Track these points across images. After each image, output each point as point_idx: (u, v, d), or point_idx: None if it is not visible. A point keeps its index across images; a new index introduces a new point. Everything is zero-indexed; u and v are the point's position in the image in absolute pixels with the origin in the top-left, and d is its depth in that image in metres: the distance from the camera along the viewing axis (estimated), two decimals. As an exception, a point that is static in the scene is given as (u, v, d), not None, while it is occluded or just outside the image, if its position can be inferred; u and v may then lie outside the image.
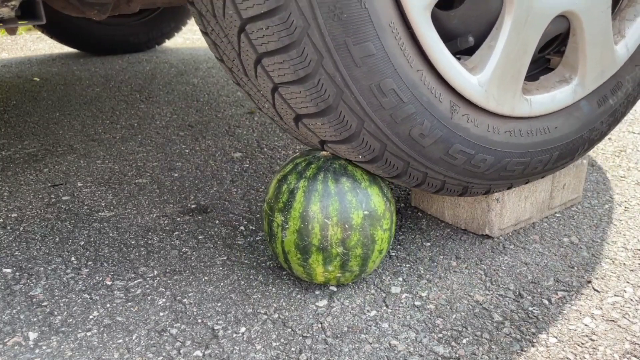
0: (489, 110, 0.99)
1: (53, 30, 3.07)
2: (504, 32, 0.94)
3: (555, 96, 1.07)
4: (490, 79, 0.96)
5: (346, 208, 0.91)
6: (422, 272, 1.09)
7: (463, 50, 1.01)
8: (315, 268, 0.94)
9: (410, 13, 0.84)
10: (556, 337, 0.92)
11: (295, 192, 0.93)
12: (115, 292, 1.03)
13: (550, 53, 1.16)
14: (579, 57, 1.07)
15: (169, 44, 3.69)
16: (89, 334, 0.92)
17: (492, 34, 0.97)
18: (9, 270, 1.09)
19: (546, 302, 1.00)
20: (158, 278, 1.07)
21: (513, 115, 1.03)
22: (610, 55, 1.10)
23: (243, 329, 0.93)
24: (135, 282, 1.06)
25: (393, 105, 0.87)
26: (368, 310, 0.97)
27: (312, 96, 0.84)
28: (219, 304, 0.99)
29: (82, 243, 1.20)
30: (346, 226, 0.91)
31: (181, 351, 0.88)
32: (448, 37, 0.99)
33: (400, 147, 0.92)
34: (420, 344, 0.90)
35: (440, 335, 0.92)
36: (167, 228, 1.26)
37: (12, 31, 2.05)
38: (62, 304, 0.99)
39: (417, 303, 1.00)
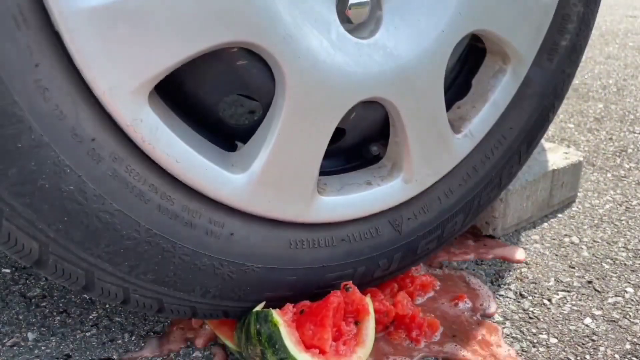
0: (261, 216, 0.80)
1: None
2: (279, 119, 0.74)
3: (366, 197, 0.88)
4: (259, 179, 0.76)
5: None
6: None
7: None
8: None
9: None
10: (557, 338, 0.92)
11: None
12: (114, 292, 1.03)
13: (375, 144, 0.94)
14: (401, 150, 0.88)
15: None
16: (88, 334, 0.92)
17: (265, 122, 0.77)
18: (7, 271, 1.09)
19: (546, 302, 1.00)
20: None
21: (299, 222, 0.83)
22: (446, 147, 0.91)
23: None
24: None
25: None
26: None
27: None
28: None
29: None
30: None
31: None
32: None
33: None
34: (420, 344, 0.90)
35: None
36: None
37: None
38: (60, 305, 0.99)
39: (417, 303, 1.00)
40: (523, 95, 0.98)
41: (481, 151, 0.98)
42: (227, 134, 0.83)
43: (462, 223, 1.01)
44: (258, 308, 0.82)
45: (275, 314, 0.79)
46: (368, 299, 0.86)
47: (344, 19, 0.76)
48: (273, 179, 0.78)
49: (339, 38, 0.75)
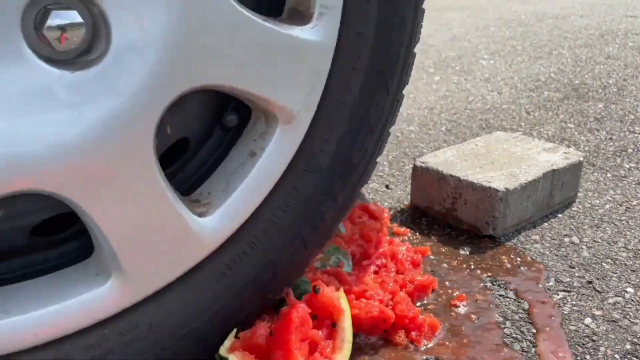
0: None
1: None
2: None
3: (59, 311, 0.66)
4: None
5: None
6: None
7: None
8: None
9: None
10: (557, 338, 0.91)
11: None
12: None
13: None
14: (102, 246, 0.66)
15: None
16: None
17: None
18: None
19: (547, 302, 1.00)
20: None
21: None
22: (182, 239, 0.70)
23: None
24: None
25: None
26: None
27: None
28: None
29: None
30: None
31: None
32: None
33: None
34: (420, 344, 0.90)
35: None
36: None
37: None
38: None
39: (417, 303, 1.00)
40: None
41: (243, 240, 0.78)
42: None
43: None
44: (222, 349, 0.77)
45: (233, 358, 0.75)
46: (341, 295, 0.83)
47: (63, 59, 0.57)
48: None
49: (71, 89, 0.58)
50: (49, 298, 0.65)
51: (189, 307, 0.75)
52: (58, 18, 0.55)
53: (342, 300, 0.83)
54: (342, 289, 0.86)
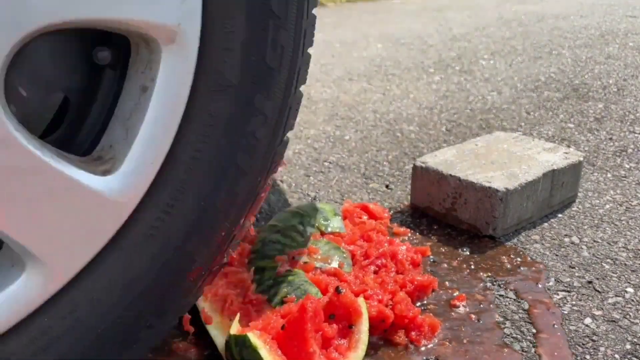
0: None
1: None
2: None
3: None
4: None
5: None
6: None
7: None
8: None
9: None
10: (557, 338, 0.91)
11: None
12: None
13: None
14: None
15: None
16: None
17: None
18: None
19: (547, 302, 1.00)
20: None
21: None
22: (89, 206, 0.62)
23: None
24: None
25: None
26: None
27: None
28: None
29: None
30: None
31: None
32: None
33: None
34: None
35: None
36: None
37: None
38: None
39: (417, 303, 1.00)
40: None
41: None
42: None
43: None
44: (234, 330, 0.78)
45: (253, 337, 0.76)
46: (361, 300, 0.85)
47: None
48: None
49: None
50: None
51: (129, 271, 0.69)
52: None
53: (362, 305, 0.84)
54: (362, 295, 0.88)
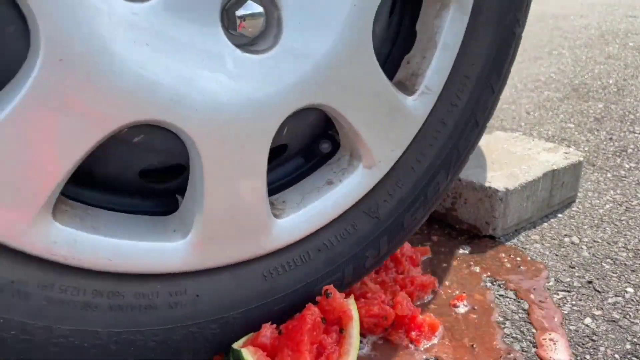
0: (222, 266, 0.76)
1: None
2: (202, 173, 0.69)
3: (331, 199, 0.82)
4: (205, 235, 0.72)
5: None
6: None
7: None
8: None
9: None
10: (557, 338, 0.91)
11: None
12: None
13: (325, 141, 0.88)
14: (353, 138, 0.81)
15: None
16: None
17: (190, 180, 0.71)
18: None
19: (547, 302, 1.00)
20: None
21: (263, 254, 0.79)
22: (402, 115, 0.84)
23: None
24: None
25: None
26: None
27: None
28: None
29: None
30: None
31: None
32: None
33: None
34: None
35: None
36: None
37: None
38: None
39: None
40: (475, 27, 0.86)
41: (445, 101, 0.88)
42: (162, 194, 0.78)
43: (445, 179, 0.93)
44: (238, 344, 0.79)
45: (246, 353, 0.76)
46: (351, 302, 0.84)
47: (239, 41, 0.66)
48: (219, 230, 0.72)
49: (237, 64, 0.66)
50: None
51: (418, 171, 0.90)
52: (243, 9, 0.64)
53: (352, 307, 0.83)
54: (352, 296, 0.87)
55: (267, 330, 0.79)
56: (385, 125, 0.82)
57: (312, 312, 0.80)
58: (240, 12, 0.64)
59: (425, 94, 0.85)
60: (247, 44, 0.68)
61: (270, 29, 0.68)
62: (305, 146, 0.87)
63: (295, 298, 0.83)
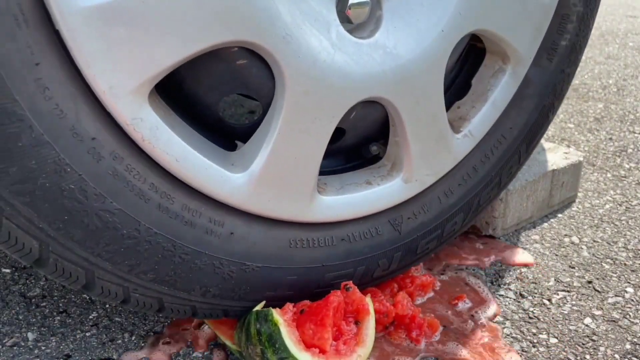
0: (261, 215, 0.80)
1: None
2: (279, 118, 0.74)
3: (366, 197, 0.87)
4: (259, 178, 0.76)
5: None
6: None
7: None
8: None
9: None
10: (557, 338, 0.92)
11: None
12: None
13: (375, 144, 0.94)
14: (401, 149, 0.88)
15: None
16: (87, 334, 0.92)
17: (265, 122, 0.77)
18: (7, 271, 1.08)
19: (546, 302, 1.00)
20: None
21: (299, 221, 0.83)
22: (446, 147, 0.91)
23: None
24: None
25: None
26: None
27: None
28: None
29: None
30: None
31: None
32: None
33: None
34: (420, 344, 0.90)
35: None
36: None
37: None
38: (60, 305, 0.99)
39: (417, 303, 1.00)
40: (523, 95, 0.98)
41: (481, 151, 0.98)
42: (228, 134, 0.83)
43: (462, 222, 1.01)
44: (258, 307, 0.82)
45: (276, 313, 0.79)
46: (368, 299, 0.86)
47: (344, 19, 0.77)
48: (273, 179, 0.77)
49: (339, 38, 0.75)
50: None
51: (443, 204, 0.97)
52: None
53: (370, 303, 0.86)
54: (369, 295, 0.89)
55: (290, 306, 0.83)
56: (432, 148, 0.89)
57: (337, 295, 0.83)
58: (352, 0, 0.76)
59: (467, 137, 0.94)
60: (349, 29, 0.78)
61: (370, 22, 0.80)
62: (359, 139, 0.92)
63: (308, 274, 0.87)
